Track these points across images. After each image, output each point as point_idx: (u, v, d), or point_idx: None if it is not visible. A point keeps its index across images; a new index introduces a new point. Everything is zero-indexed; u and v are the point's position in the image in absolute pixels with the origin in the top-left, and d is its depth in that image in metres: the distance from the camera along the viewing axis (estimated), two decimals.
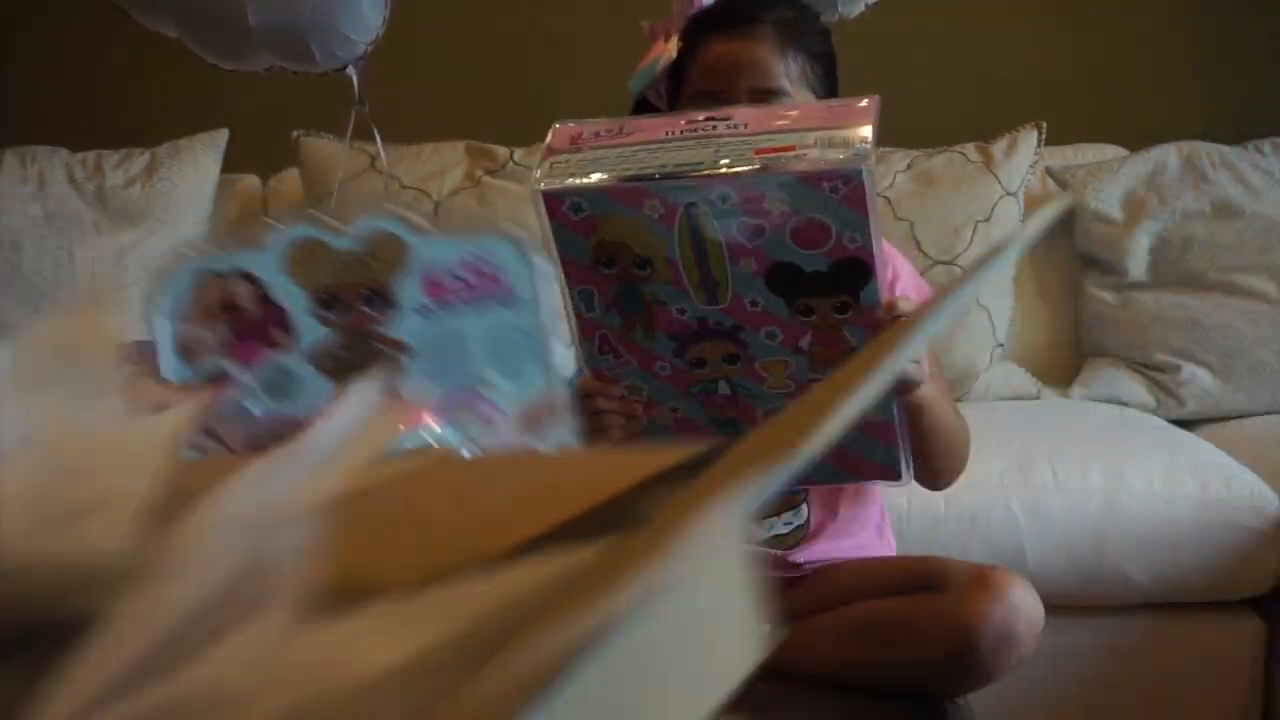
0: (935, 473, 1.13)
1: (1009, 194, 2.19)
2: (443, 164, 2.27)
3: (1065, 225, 2.29)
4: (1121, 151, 2.33)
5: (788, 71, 1.17)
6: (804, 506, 1.19)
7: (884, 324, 0.95)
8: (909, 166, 2.23)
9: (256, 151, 2.46)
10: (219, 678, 0.27)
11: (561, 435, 0.78)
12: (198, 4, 1.43)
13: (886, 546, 1.28)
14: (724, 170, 0.94)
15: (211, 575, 0.28)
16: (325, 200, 2.23)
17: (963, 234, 2.14)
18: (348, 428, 0.34)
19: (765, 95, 1.16)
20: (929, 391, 1.05)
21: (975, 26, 2.55)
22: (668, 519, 0.31)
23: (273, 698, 0.26)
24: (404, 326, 0.80)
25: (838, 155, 0.93)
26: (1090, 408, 2.09)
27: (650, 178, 0.95)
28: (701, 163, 0.95)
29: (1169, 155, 2.22)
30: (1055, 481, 1.68)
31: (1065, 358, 2.28)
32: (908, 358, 0.89)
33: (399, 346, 0.79)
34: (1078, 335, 2.28)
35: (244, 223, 2.43)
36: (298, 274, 0.80)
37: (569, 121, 1.00)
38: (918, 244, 2.12)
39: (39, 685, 0.27)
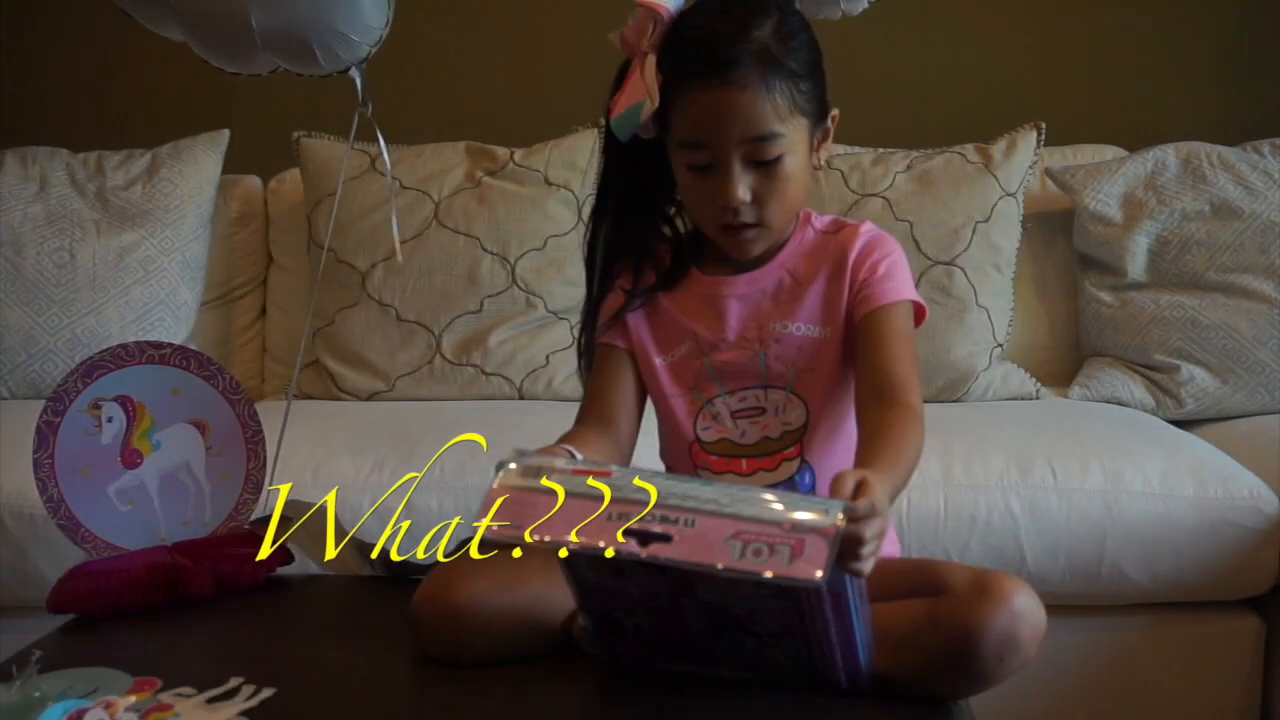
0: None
1: (1008, 194, 2.19)
2: (443, 164, 2.28)
3: (1065, 225, 2.29)
4: (1121, 152, 2.34)
5: (776, 110, 1.14)
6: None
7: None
8: (909, 167, 2.23)
9: (257, 152, 2.47)
10: None
11: None
12: (201, 6, 1.43)
13: (891, 545, 1.28)
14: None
15: None
16: (326, 200, 2.23)
17: (962, 234, 2.15)
18: None
19: (758, 141, 1.15)
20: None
21: (975, 27, 2.55)
22: None
23: None
24: None
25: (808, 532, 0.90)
26: (1089, 408, 2.09)
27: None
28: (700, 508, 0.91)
29: (1168, 156, 2.22)
30: (1055, 481, 1.69)
31: (1064, 358, 2.28)
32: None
33: None
34: (1077, 335, 2.28)
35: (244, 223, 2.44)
36: None
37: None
38: (917, 244, 2.13)
39: None
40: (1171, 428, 1.95)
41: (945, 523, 1.67)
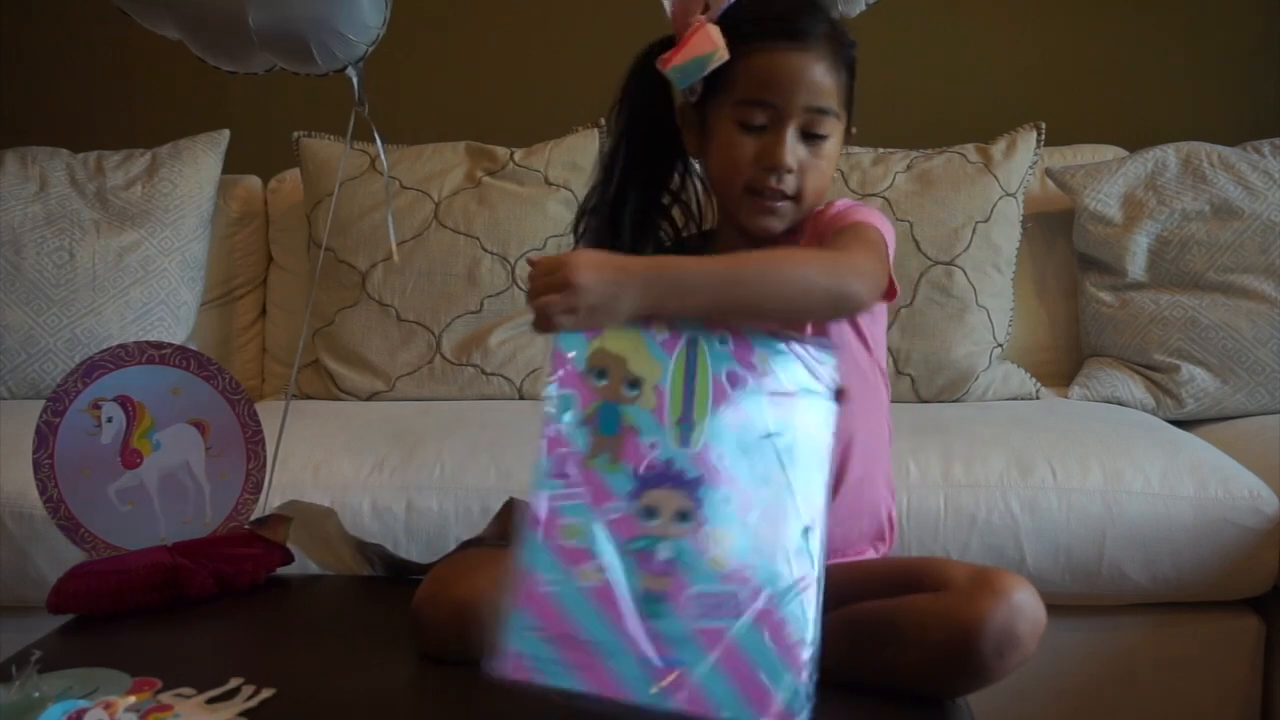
0: (780, 314, 1.06)
1: (1008, 194, 2.19)
2: (443, 164, 2.28)
3: (1065, 225, 2.29)
4: (1121, 152, 2.34)
5: (838, 90, 1.18)
6: None
7: None
8: (909, 167, 2.23)
9: (257, 152, 2.47)
10: None
11: None
12: (198, 5, 1.43)
13: (890, 544, 1.28)
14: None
15: None
16: (326, 200, 2.23)
17: (962, 234, 2.15)
18: None
19: (817, 113, 1.17)
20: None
21: (975, 27, 2.56)
22: None
23: None
24: None
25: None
26: (1090, 408, 2.09)
27: None
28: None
29: (1168, 156, 2.22)
30: (1055, 481, 1.69)
31: (1064, 358, 2.28)
32: None
33: None
34: (1077, 335, 2.28)
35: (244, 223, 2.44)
36: None
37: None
38: (917, 244, 2.13)
39: None
40: (1171, 428, 1.95)
41: (945, 523, 1.67)
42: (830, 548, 1.17)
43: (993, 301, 2.15)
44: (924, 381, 2.11)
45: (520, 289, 2.18)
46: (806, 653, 0.97)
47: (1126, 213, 2.19)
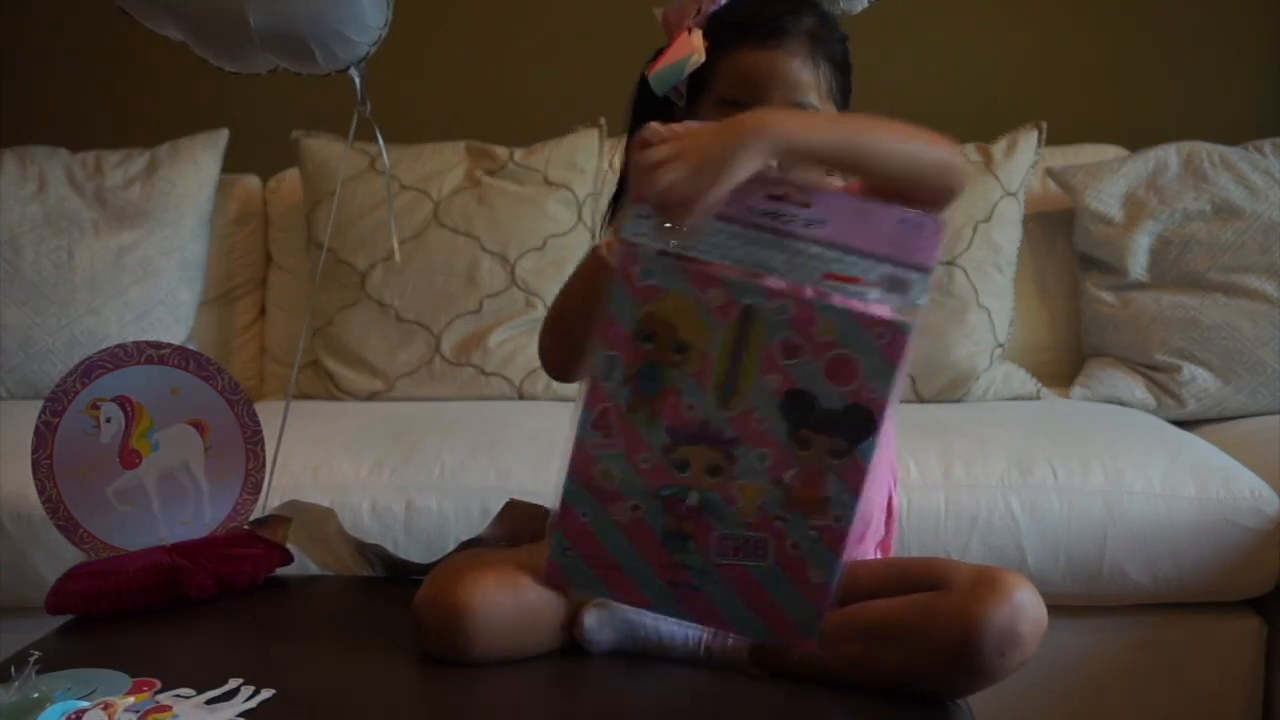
0: (901, 181, 1.07)
1: (1009, 194, 2.19)
2: (443, 164, 2.27)
3: (1066, 225, 2.29)
4: (1121, 151, 2.34)
5: (816, 85, 1.18)
6: None
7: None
8: None
9: (256, 152, 2.47)
10: None
11: None
12: (199, 6, 1.43)
13: (890, 544, 1.28)
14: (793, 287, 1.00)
15: None
16: (325, 200, 2.23)
17: (963, 234, 2.15)
18: None
19: (795, 109, 1.17)
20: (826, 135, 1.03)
21: (976, 27, 2.55)
22: None
23: None
24: None
25: (896, 301, 1.00)
26: (1090, 408, 2.09)
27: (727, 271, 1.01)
28: (775, 268, 1.01)
29: (1169, 155, 2.22)
30: (1055, 481, 1.68)
31: (1065, 358, 2.28)
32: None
33: None
34: (1078, 335, 2.28)
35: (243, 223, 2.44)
36: None
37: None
38: None
39: None
40: (1173, 428, 1.95)
41: (945, 523, 1.67)
42: None
43: (993, 301, 2.15)
44: (924, 381, 2.11)
45: (520, 289, 2.18)
46: (828, 592, 1.03)
47: (1128, 212, 2.19)
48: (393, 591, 1.37)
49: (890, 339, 0.99)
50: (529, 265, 2.19)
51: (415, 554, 1.61)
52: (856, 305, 0.99)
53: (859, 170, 1.07)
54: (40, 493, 1.35)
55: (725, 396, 1.02)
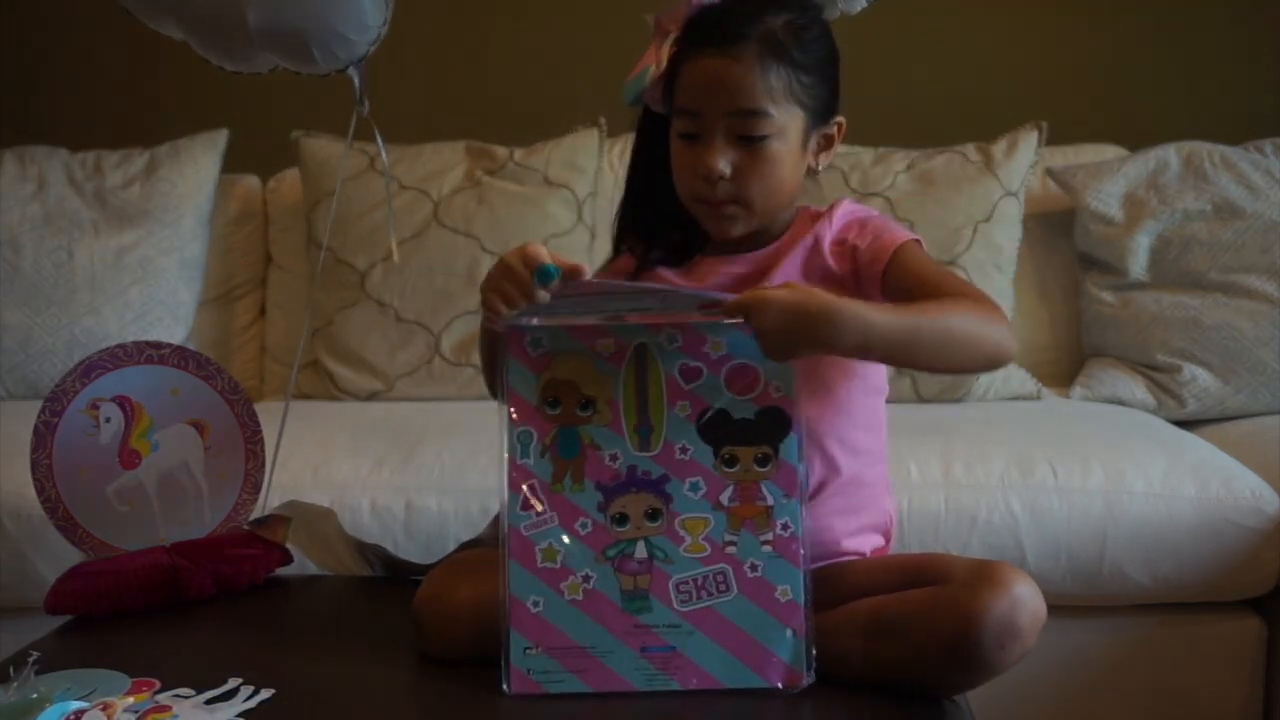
0: (954, 369, 1.14)
1: (1009, 194, 2.19)
2: (443, 164, 2.27)
3: (1066, 225, 2.29)
4: (1121, 151, 2.34)
5: (770, 90, 1.15)
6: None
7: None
8: (909, 167, 2.23)
9: (256, 152, 2.47)
10: None
11: None
12: (200, 5, 1.43)
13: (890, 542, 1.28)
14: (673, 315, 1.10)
15: None
16: (325, 200, 2.23)
17: (963, 234, 2.14)
18: None
19: (745, 115, 1.16)
20: (856, 321, 1.04)
21: (975, 26, 2.55)
22: None
23: None
24: None
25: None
26: (1090, 408, 2.09)
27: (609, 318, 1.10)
28: (653, 308, 1.11)
29: (1169, 155, 2.22)
30: (1055, 481, 1.68)
31: (1065, 358, 2.28)
32: None
33: None
34: (1078, 335, 2.27)
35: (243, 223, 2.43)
36: None
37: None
38: (918, 244, 2.12)
39: None
40: (1173, 428, 1.95)
41: (945, 523, 1.66)
42: (826, 544, 1.17)
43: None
44: (924, 381, 2.11)
45: None
46: (801, 607, 1.05)
47: (1128, 212, 2.19)
48: (393, 591, 1.37)
49: None
50: None
51: (415, 554, 1.61)
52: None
53: (919, 364, 1.13)
54: (40, 493, 1.35)
55: (643, 437, 1.08)
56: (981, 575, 1.05)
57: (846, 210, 1.24)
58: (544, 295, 1.05)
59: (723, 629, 1.05)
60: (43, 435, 1.35)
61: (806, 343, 1.05)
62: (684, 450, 1.08)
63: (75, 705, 0.97)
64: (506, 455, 1.07)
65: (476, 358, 2.15)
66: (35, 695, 0.99)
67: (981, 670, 1.04)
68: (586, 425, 1.08)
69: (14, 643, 1.20)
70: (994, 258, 2.16)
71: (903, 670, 1.06)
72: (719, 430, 1.09)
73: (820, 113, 1.20)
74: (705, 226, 1.23)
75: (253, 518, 1.43)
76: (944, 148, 2.26)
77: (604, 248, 2.26)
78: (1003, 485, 1.68)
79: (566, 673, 1.03)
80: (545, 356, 1.09)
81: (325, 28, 1.45)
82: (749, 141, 1.16)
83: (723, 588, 1.05)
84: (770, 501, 1.07)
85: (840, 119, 1.23)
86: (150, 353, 1.39)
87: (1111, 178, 2.21)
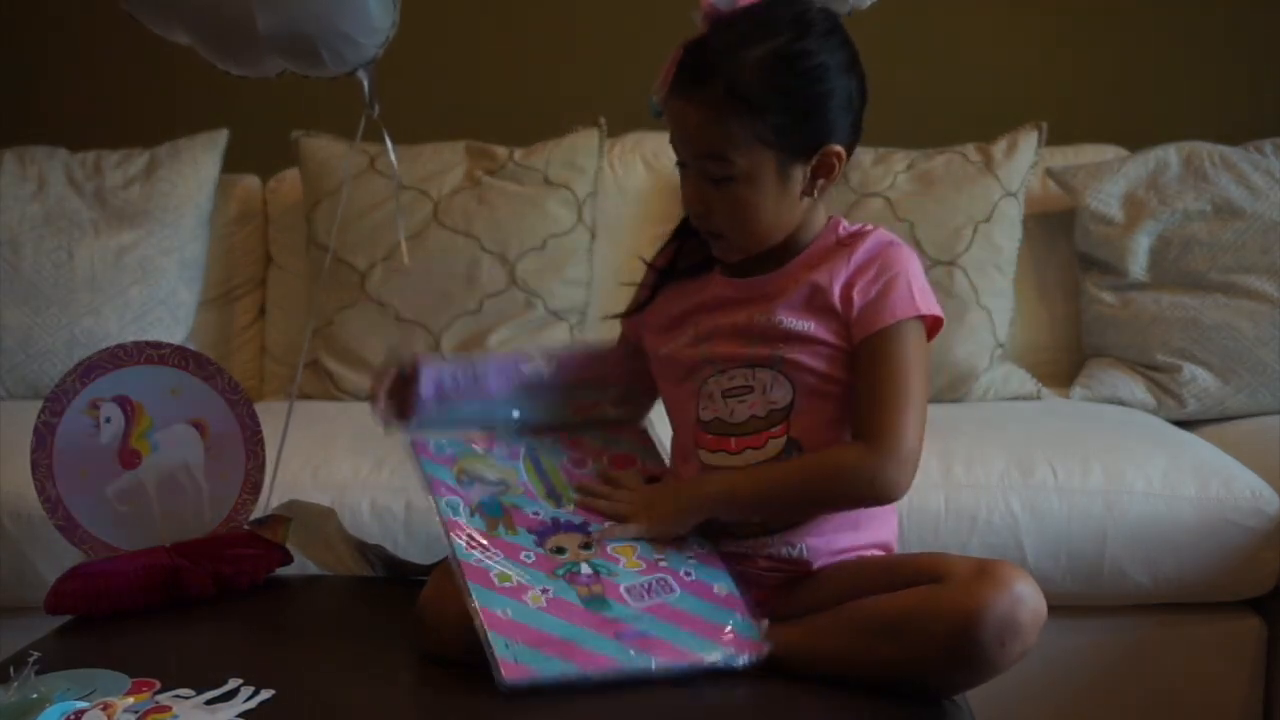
0: (821, 513, 1.19)
1: (1009, 194, 2.19)
2: (443, 164, 2.27)
3: (1066, 225, 2.29)
4: (1121, 152, 2.33)
5: (728, 136, 1.14)
6: None
7: None
8: (909, 167, 2.23)
9: (256, 152, 2.46)
10: None
11: None
12: (207, 11, 1.43)
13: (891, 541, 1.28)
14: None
15: None
16: (325, 200, 2.23)
17: (963, 234, 2.14)
18: None
19: (707, 159, 1.16)
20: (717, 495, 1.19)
21: (975, 27, 2.55)
22: None
23: None
24: None
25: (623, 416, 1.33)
26: (1090, 408, 2.09)
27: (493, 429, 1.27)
28: (536, 414, 1.29)
29: (1169, 155, 2.21)
30: (1055, 481, 1.68)
31: (1065, 358, 2.28)
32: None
33: None
34: (1078, 335, 2.27)
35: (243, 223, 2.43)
36: None
37: (422, 360, 1.29)
38: (918, 244, 2.12)
39: None
40: (1173, 428, 1.95)
41: (945, 523, 1.67)
42: (824, 552, 1.18)
43: (994, 301, 2.15)
44: None
45: (520, 289, 2.17)
46: (740, 600, 1.14)
47: (1128, 212, 2.19)
48: (393, 591, 1.37)
49: (642, 433, 1.31)
50: (529, 265, 2.19)
51: (415, 554, 1.60)
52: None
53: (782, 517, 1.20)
54: (40, 493, 1.35)
55: (556, 499, 1.22)
56: (982, 573, 1.05)
57: (873, 247, 1.20)
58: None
59: (679, 616, 1.12)
60: (43, 435, 1.35)
61: (682, 529, 1.19)
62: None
63: (75, 705, 0.97)
64: (440, 518, 1.16)
65: None
66: (35, 695, 0.99)
67: (982, 668, 1.05)
68: (503, 496, 1.21)
69: (14, 643, 1.20)
70: (994, 258, 2.16)
71: (903, 669, 1.06)
72: None
73: (794, 148, 1.16)
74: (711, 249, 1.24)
75: (253, 518, 1.43)
76: (944, 148, 2.26)
77: (604, 248, 2.27)
78: (1003, 485, 1.68)
79: (552, 657, 1.06)
80: (451, 456, 1.23)
81: (334, 31, 1.45)
82: (717, 182, 1.17)
83: (667, 590, 1.14)
84: (680, 535, 1.20)
85: (832, 148, 1.17)
86: (150, 353, 1.40)
87: (1111, 178, 2.21)
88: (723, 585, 1.16)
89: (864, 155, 2.27)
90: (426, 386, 1.26)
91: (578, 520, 1.19)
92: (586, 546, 1.17)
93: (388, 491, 1.70)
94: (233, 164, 2.41)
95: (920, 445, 1.17)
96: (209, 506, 1.41)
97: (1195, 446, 1.80)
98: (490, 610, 1.07)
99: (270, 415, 1.51)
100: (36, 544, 1.66)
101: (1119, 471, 1.69)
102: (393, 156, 1.73)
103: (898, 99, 2.48)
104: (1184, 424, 2.04)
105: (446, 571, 1.18)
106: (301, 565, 1.46)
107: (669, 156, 1.29)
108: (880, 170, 2.22)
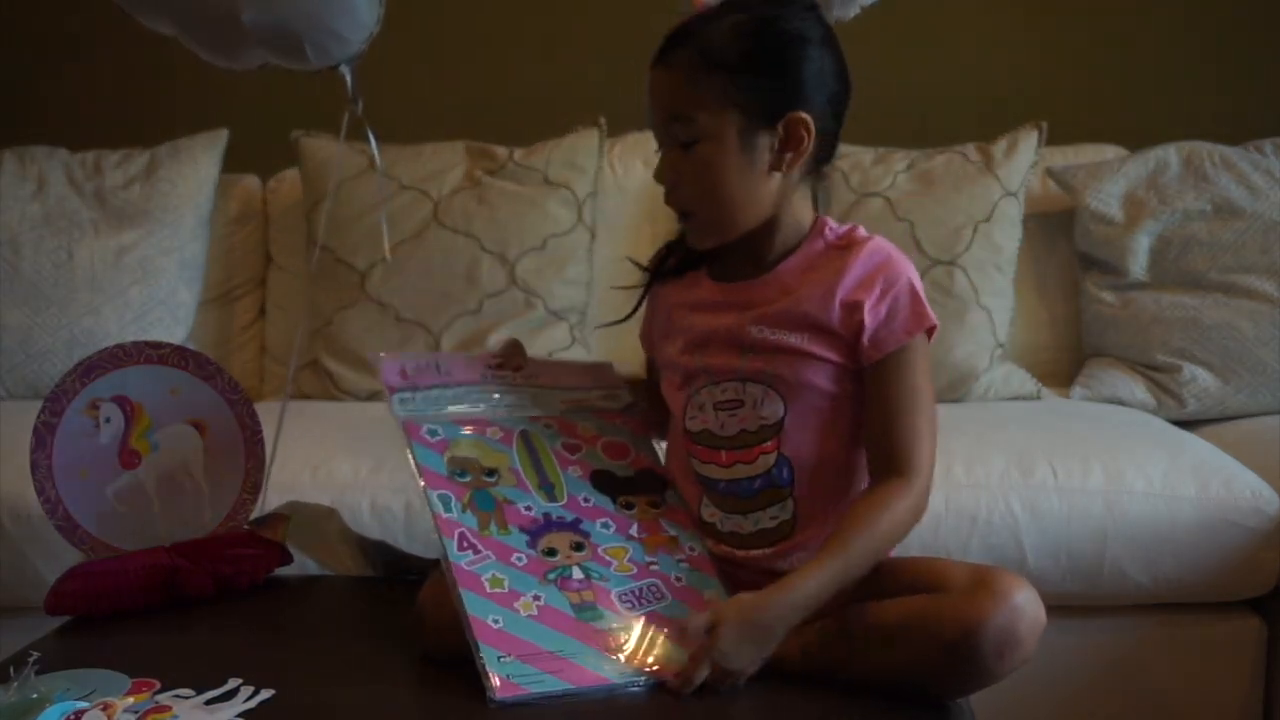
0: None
1: (1009, 194, 2.19)
2: (442, 164, 2.27)
3: (1066, 225, 2.29)
4: (1121, 151, 2.34)
5: (694, 95, 1.15)
6: (789, 501, 1.19)
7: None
8: (909, 167, 2.23)
9: (256, 152, 2.46)
10: None
11: None
12: (193, 1, 1.43)
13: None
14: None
15: None
16: (325, 200, 2.23)
17: (963, 234, 2.14)
18: None
19: (672, 121, 1.16)
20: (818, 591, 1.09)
21: (975, 27, 2.55)
22: None
23: None
24: None
25: (614, 406, 1.32)
26: (1090, 408, 2.09)
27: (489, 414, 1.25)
28: (527, 404, 1.27)
29: (1169, 155, 2.22)
30: (1055, 481, 1.68)
31: (1065, 358, 2.28)
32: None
33: None
34: (1078, 335, 2.27)
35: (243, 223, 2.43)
36: None
37: (383, 355, 1.27)
38: (918, 244, 2.12)
39: None
40: (1173, 428, 1.95)
41: (945, 523, 1.66)
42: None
43: (994, 301, 2.15)
44: None
45: (520, 289, 2.17)
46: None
47: (1128, 212, 2.19)
48: (393, 591, 1.37)
49: (635, 422, 1.30)
50: (529, 265, 2.19)
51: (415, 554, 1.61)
52: (599, 405, 1.30)
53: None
54: (39, 493, 1.35)
55: (548, 493, 1.20)
56: (981, 583, 1.04)
57: (872, 260, 1.18)
58: None
59: (670, 625, 1.11)
60: (42, 435, 1.35)
61: (758, 651, 1.08)
62: (586, 500, 1.21)
63: (75, 705, 0.97)
64: (432, 513, 1.15)
65: None
66: (35, 695, 0.99)
67: (979, 678, 1.04)
68: (495, 487, 1.19)
69: (14, 643, 1.20)
70: (994, 258, 2.16)
71: (899, 675, 1.06)
72: (608, 484, 1.23)
73: (762, 112, 1.15)
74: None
75: (252, 517, 1.43)
76: (944, 148, 2.26)
77: (603, 248, 2.27)
78: (1003, 485, 1.68)
79: (543, 674, 1.05)
80: (443, 441, 1.21)
81: (320, 25, 1.45)
82: (684, 148, 1.17)
83: (659, 596, 1.14)
84: (672, 533, 1.20)
85: (799, 115, 1.15)
86: (150, 353, 1.39)
87: (1111, 178, 2.21)
88: (712, 591, 1.15)
89: (864, 155, 2.27)
90: (390, 374, 1.25)
91: (570, 517, 1.18)
92: (578, 547, 1.16)
93: (388, 491, 1.70)
94: (233, 164, 2.41)
95: (934, 455, 1.20)
96: (209, 506, 1.41)
97: (1195, 446, 1.80)
98: (481, 620, 1.07)
99: (270, 415, 1.51)
100: (36, 544, 1.66)
101: (1119, 471, 1.69)
102: (375, 151, 1.72)
103: (898, 99, 2.49)
104: (1184, 424, 2.04)
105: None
106: (301, 565, 1.46)
107: None
108: (880, 170, 2.22)
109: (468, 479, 1.18)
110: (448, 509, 1.15)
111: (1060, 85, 2.52)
